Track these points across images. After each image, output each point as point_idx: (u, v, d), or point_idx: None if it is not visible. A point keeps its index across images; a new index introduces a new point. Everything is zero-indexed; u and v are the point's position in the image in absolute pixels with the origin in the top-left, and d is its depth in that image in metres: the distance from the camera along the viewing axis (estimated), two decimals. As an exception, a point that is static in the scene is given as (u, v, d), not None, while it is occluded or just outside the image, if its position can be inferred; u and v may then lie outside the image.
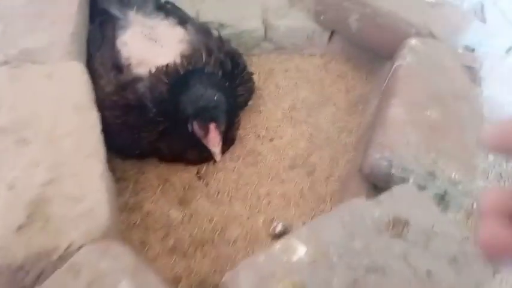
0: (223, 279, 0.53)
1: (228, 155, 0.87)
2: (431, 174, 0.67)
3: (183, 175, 0.84)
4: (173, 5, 0.91)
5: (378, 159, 0.68)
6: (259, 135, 0.92)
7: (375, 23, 0.93)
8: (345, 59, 1.10)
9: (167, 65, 0.76)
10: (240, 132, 0.90)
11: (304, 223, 0.81)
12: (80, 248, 0.51)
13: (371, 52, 1.04)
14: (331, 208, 0.83)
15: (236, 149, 0.89)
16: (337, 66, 1.09)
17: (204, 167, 0.85)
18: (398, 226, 0.59)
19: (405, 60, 0.81)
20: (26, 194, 0.52)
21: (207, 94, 0.74)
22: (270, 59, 1.06)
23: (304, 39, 1.05)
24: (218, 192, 0.82)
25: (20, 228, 0.49)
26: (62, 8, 0.75)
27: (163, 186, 0.82)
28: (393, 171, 0.68)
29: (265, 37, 1.03)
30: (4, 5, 0.74)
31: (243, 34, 1.00)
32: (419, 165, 0.66)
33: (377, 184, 0.74)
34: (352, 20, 0.96)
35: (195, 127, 0.75)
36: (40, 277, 0.53)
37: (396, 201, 0.62)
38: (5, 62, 0.66)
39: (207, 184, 0.83)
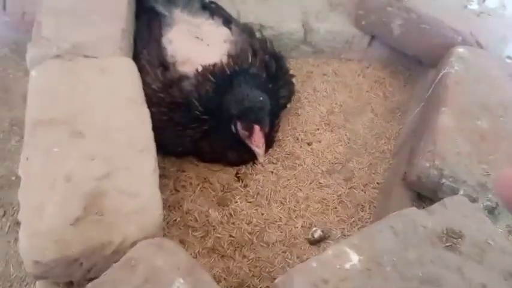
0: (276, 281, 0.52)
1: (266, 157, 0.87)
2: (483, 186, 0.65)
3: (221, 175, 0.83)
4: (217, 5, 0.91)
5: (428, 168, 0.67)
6: (297, 139, 0.91)
7: (419, 29, 0.91)
8: (383, 65, 1.08)
9: (214, 64, 0.76)
10: (279, 134, 0.90)
11: (343, 230, 0.80)
12: (133, 243, 0.51)
13: (411, 59, 1.02)
14: (371, 216, 0.82)
15: (275, 152, 0.88)
16: (374, 72, 1.08)
17: (243, 169, 0.84)
18: (452, 238, 0.57)
19: (453, 68, 0.80)
20: (82, 186, 0.52)
21: (252, 95, 0.73)
22: (308, 62, 1.05)
23: (343, 43, 1.04)
24: (257, 194, 0.82)
25: (77, 220, 0.50)
26: (112, 4, 0.76)
27: (203, 185, 0.82)
28: (443, 180, 0.66)
29: (304, 40, 1.02)
30: (55, 0, 0.75)
31: (283, 36, 1.00)
32: (471, 176, 0.65)
33: (423, 193, 0.72)
34: (395, 25, 0.94)
35: (239, 127, 0.74)
36: (91, 270, 0.54)
37: (449, 212, 0.60)
38: (58, 56, 0.67)
39: (245, 186, 0.83)
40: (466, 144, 0.68)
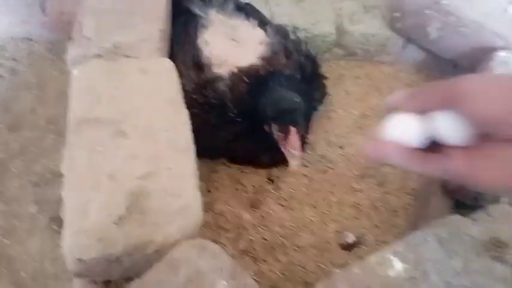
0: (317, 286, 0.51)
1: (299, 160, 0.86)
2: (528, 195, 0.63)
3: (253, 177, 0.83)
4: (252, 7, 0.90)
5: (470, 175, 0.65)
6: (330, 142, 0.90)
7: (458, 32, 0.89)
8: (416, 69, 1.06)
9: (249, 66, 0.76)
10: (311, 137, 0.89)
11: (376, 236, 0.78)
12: (173, 243, 0.51)
13: (445, 62, 1.00)
14: (405, 222, 0.80)
15: (307, 155, 0.87)
16: (407, 76, 1.06)
17: (275, 171, 0.83)
18: (497, 247, 0.55)
19: (494, 73, 0.78)
20: (125, 185, 0.52)
21: (288, 97, 0.72)
22: (340, 65, 1.04)
23: (377, 46, 1.02)
24: (289, 197, 0.81)
25: (120, 219, 0.50)
26: (151, 5, 0.76)
27: (235, 187, 0.82)
28: (486, 188, 0.64)
29: (338, 42, 1.01)
30: (96, 1, 0.76)
31: (316, 38, 0.99)
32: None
33: (463, 201, 0.70)
34: (432, 28, 0.92)
35: (274, 129, 0.74)
36: (130, 269, 0.54)
37: (493, 221, 0.58)
38: (99, 56, 0.68)
39: (278, 188, 0.82)
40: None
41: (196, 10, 0.85)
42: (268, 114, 0.73)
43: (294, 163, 0.74)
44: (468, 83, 0.38)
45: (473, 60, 0.88)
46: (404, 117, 0.41)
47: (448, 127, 0.39)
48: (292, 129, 0.71)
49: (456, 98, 0.37)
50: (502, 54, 0.81)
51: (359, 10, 1.02)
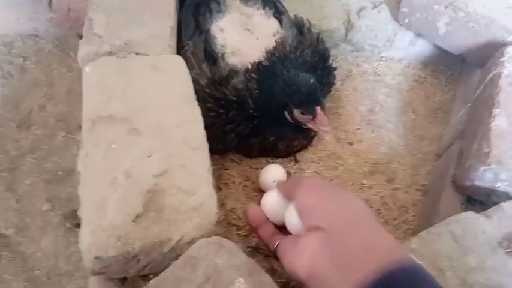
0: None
1: (308, 156, 0.86)
2: (541, 191, 0.63)
3: (264, 174, 0.83)
4: (270, -6, 0.89)
5: (483, 171, 0.65)
6: (339, 138, 0.90)
7: (467, 28, 0.89)
8: (424, 64, 1.06)
9: (259, 62, 0.76)
10: (320, 134, 0.89)
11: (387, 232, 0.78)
12: (191, 241, 0.52)
13: (453, 58, 1.00)
14: (415, 218, 0.81)
15: (316, 151, 0.87)
16: (415, 71, 1.05)
17: (286, 168, 0.83)
18: (512, 244, 0.56)
19: (505, 68, 0.77)
20: (142, 183, 0.52)
21: (302, 79, 0.72)
22: (347, 61, 1.04)
23: (384, 41, 1.02)
24: (300, 194, 0.81)
25: (137, 217, 0.50)
26: (160, 1, 0.76)
27: (245, 183, 0.82)
28: (499, 184, 0.64)
29: (345, 38, 1.01)
30: (106, -1, 0.76)
31: (324, 34, 0.98)
32: (529, 181, 0.63)
33: (475, 197, 0.71)
34: (441, 24, 0.92)
35: (297, 114, 0.73)
36: (147, 266, 0.54)
37: (508, 217, 0.58)
38: (111, 53, 0.67)
39: (288, 184, 0.82)
40: (523, 147, 0.66)
41: None
42: (288, 102, 0.72)
43: (326, 137, 0.83)
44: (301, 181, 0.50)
45: (482, 56, 0.88)
46: (273, 196, 0.58)
47: (287, 216, 0.53)
48: (318, 109, 0.71)
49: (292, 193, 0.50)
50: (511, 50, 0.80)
51: (367, 5, 1.02)
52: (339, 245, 0.40)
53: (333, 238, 0.41)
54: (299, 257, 0.43)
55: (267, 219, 0.58)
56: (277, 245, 0.50)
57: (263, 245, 0.59)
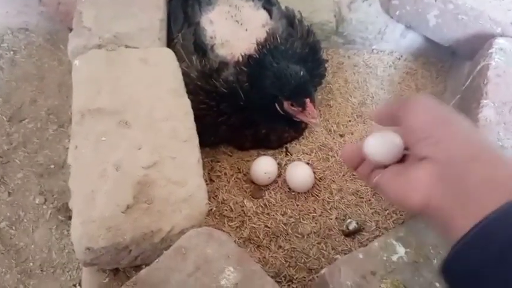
0: (322, 271, 0.52)
1: (300, 148, 0.87)
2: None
3: (255, 166, 0.84)
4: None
5: (470, 161, 0.66)
6: (330, 130, 0.91)
7: (456, 20, 0.89)
8: (414, 57, 1.07)
9: (249, 55, 0.76)
10: (311, 125, 0.89)
11: (377, 222, 0.79)
12: (181, 232, 0.52)
13: (443, 50, 1.00)
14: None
15: (308, 143, 0.88)
16: (406, 63, 1.06)
17: (278, 159, 0.84)
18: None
19: (493, 60, 0.78)
20: (131, 175, 0.53)
21: (292, 71, 0.72)
22: (338, 53, 1.04)
23: (375, 33, 1.03)
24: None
25: (127, 208, 0.50)
26: (150, -6, 0.76)
27: (237, 176, 0.82)
28: (485, 174, 0.65)
29: (336, 31, 1.01)
30: (95, -10, 0.75)
31: (314, 27, 0.98)
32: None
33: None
34: (431, 16, 0.92)
35: (287, 106, 0.74)
36: (138, 257, 0.55)
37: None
38: (100, 46, 0.67)
39: (279, 176, 0.83)
40: (509, 138, 0.67)
41: None
42: (278, 94, 0.73)
43: (317, 129, 0.85)
44: (412, 103, 0.40)
45: (472, 48, 0.88)
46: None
47: (378, 147, 0.42)
48: (307, 101, 0.72)
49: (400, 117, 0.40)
50: (500, 41, 0.81)
51: (358, -3, 1.02)
52: (458, 177, 0.37)
53: (450, 168, 0.37)
54: (410, 190, 0.38)
55: (362, 159, 0.46)
56: (378, 177, 0.42)
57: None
